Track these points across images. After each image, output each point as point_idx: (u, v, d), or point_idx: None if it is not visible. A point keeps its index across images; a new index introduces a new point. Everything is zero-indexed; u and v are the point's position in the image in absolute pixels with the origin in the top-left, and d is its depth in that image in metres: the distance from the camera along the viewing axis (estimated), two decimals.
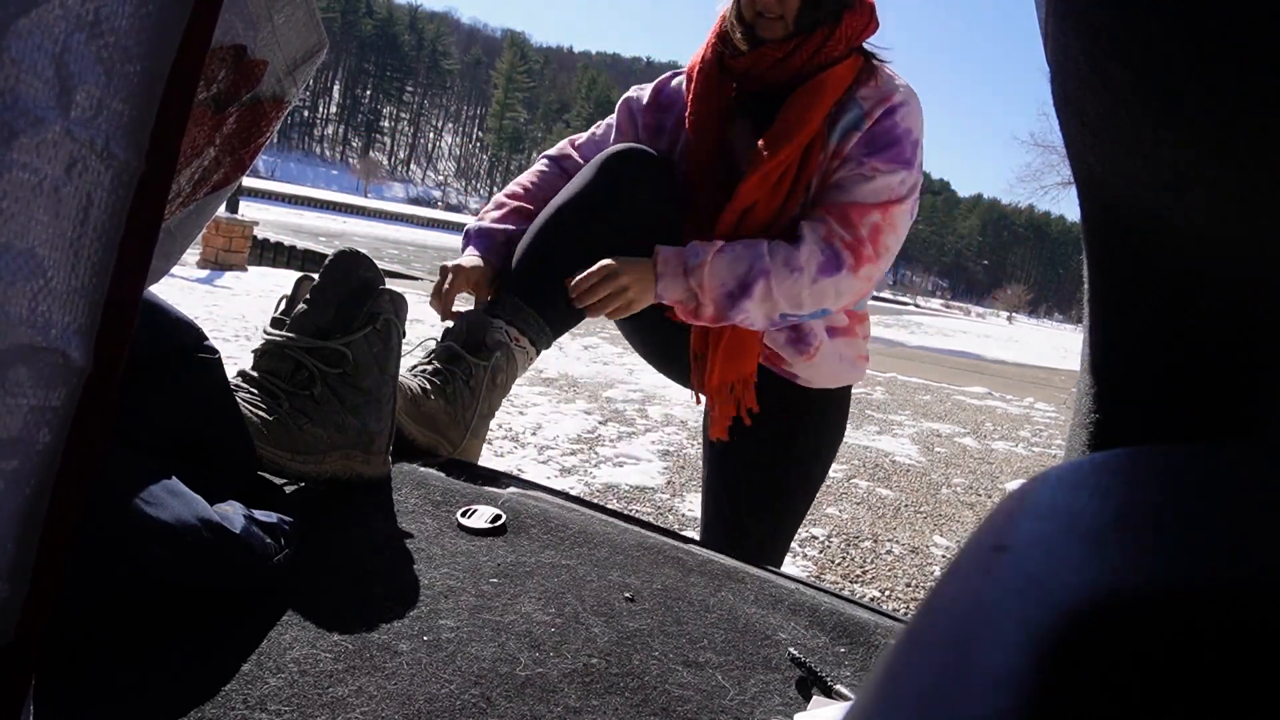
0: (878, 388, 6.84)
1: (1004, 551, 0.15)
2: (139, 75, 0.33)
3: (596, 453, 3.44)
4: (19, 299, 0.31)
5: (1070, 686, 0.12)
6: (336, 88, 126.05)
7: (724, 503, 1.37)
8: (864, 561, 2.67)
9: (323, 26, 0.69)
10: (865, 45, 1.23)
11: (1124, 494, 0.16)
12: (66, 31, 0.30)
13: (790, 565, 2.53)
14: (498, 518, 0.85)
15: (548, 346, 1.24)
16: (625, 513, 1.01)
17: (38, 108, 0.30)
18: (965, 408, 6.60)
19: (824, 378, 1.31)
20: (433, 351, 1.17)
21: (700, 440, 1.49)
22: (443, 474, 0.98)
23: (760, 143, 1.20)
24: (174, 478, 0.59)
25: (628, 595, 0.74)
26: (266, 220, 17.97)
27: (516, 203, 1.33)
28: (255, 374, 0.84)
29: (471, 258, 1.25)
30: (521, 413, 3.91)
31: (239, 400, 0.78)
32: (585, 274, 1.14)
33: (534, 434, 3.57)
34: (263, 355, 0.85)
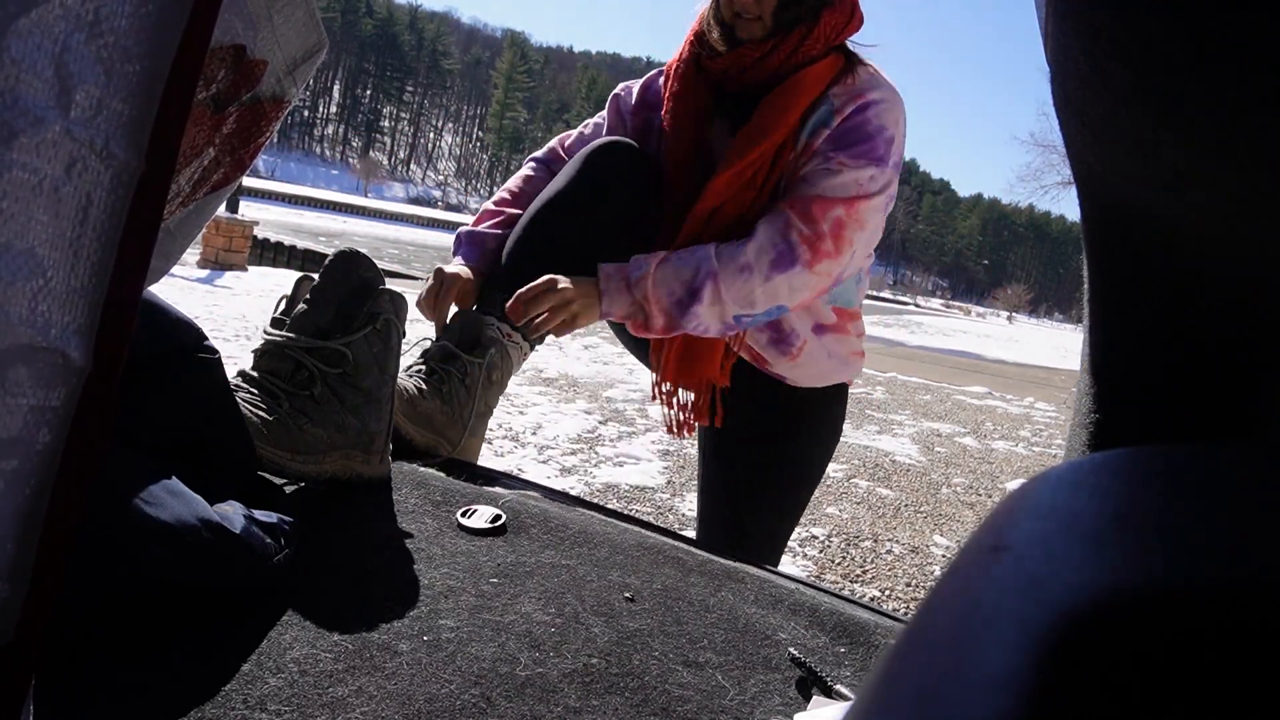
0: (878, 387, 6.84)
1: (1004, 551, 0.15)
2: (139, 75, 0.33)
3: (596, 452, 3.44)
4: (19, 299, 0.31)
5: (1070, 687, 0.12)
6: (336, 88, 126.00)
7: (721, 503, 1.36)
8: (864, 561, 2.67)
9: (323, 26, 0.69)
10: (848, 43, 1.21)
11: (1124, 494, 0.16)
12: (66, 31, 0.30)
13: (790, 565, 2.53)
14: (498, 518, 0.85)
15: (541, 341, 1.24)
16: (625, 513, 1.01)
17: (37, 107, 0.30)
18: (965, 407, 6.60)
19: (813, 377, 1.29)
20: (427, 352, 1.17)
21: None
22: (443, 474, 0.98)
23: (733, 142, 1.18)
24: (174, 478, 0.59)
25: (628, 595, 0.74)
26: (266, 220, 17.97)
27: (505, 210, 1.32)
28: (255, 374, 0.84)
29: (463, 267, 1.24)
30: (522, 412, 3.91)
31: (239, 400, 0.78)
32: (528, 287, 1.10)
33: (534, 434, 3.57)
34: (263, 355, 0.85)
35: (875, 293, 67.97)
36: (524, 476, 1.23)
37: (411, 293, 1.15)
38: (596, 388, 4.82)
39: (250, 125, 0.68)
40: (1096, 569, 0.14)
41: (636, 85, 1.37)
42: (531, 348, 1.23)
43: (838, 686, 0.64)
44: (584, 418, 4.00)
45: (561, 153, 1.39)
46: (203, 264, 8.69)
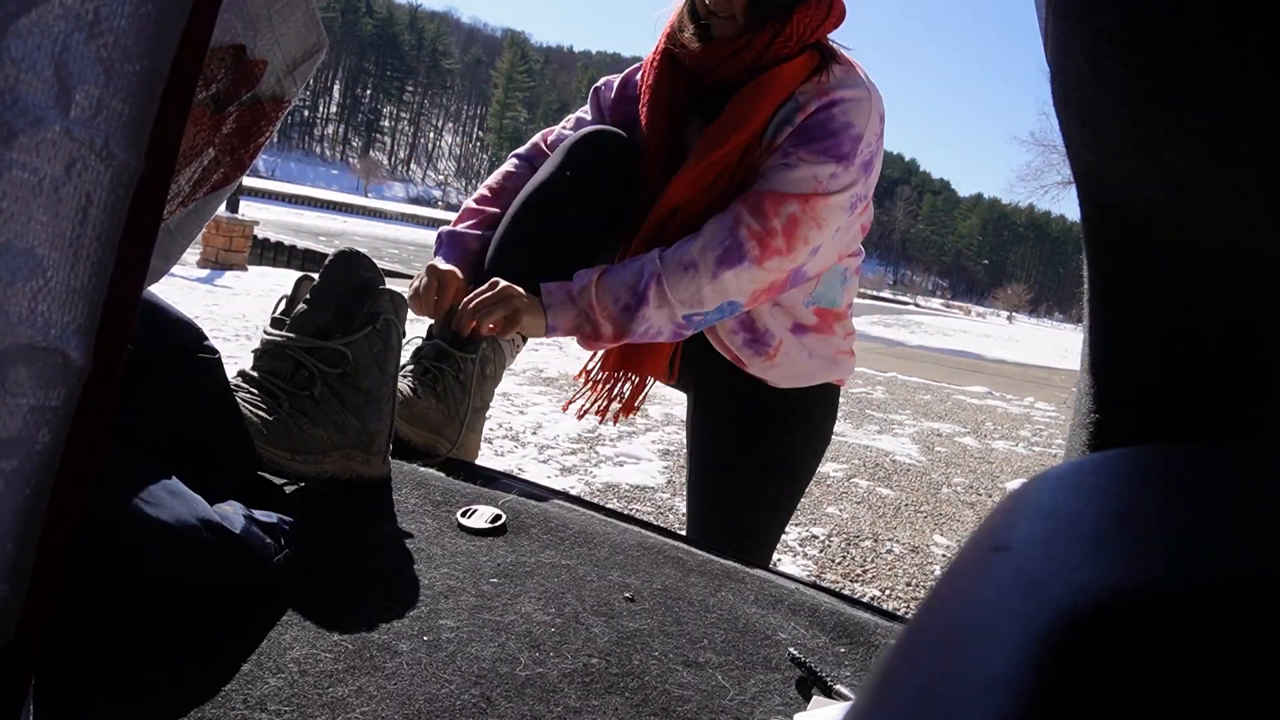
0: (878, 387, 6.84)
1: (1004, 551, 0.15)
2: (138, 75, 0.33)
3: (597, 452, 3.44)
4: (19, 299, 0.31)
5: (1070, 687, 0.12)
6: (336, 87, 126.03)
7: (708, 503, 1.34)
8: (864, 561, 2.67)
9: (323, 26, 0.69)
10: (828, 40, 1.19)
11: (1124, 494, 0.16)
12: (66, 31, 0.30)
13: (790, 565, 2.54)
14: (498, 518, 0.85)
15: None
16: (625, 513, 1.01)
17: (37, 107, 0.30)
18: (965, 407, 6.60)
19: (792, 378, 1.27)
20: (420, 351, 1.17)
21: None
22: (443, 474, 0.98)
23: (699, 140, 1.16)
24: (174, 478, 0.59)
25: (628, 595, 0.74)
26: (267, 220, 17.97)
27: (486, 208, 1.31)
28: (255, 374, 0.84)
29: (449, 265, 1.22)
30: (522, 412, 3.91)
31: (239, 400, 0.78)
32: (478, 290, 1.09)
33: (534, 433, 3.57)
34: (263, 355, 0.85)
35: (875, 293, 67.96)
36: (524, 476, 1.23)
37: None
38: None
39: (250, 125, 0.68)
40: (1096, 569, 0.14)
41: (617, 80, 1.35)
42: (524, 341, 1.23)
43: (838, 686, 0.64)
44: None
45: (544, 148, 1.38)
46: (203, 264, 8.69)
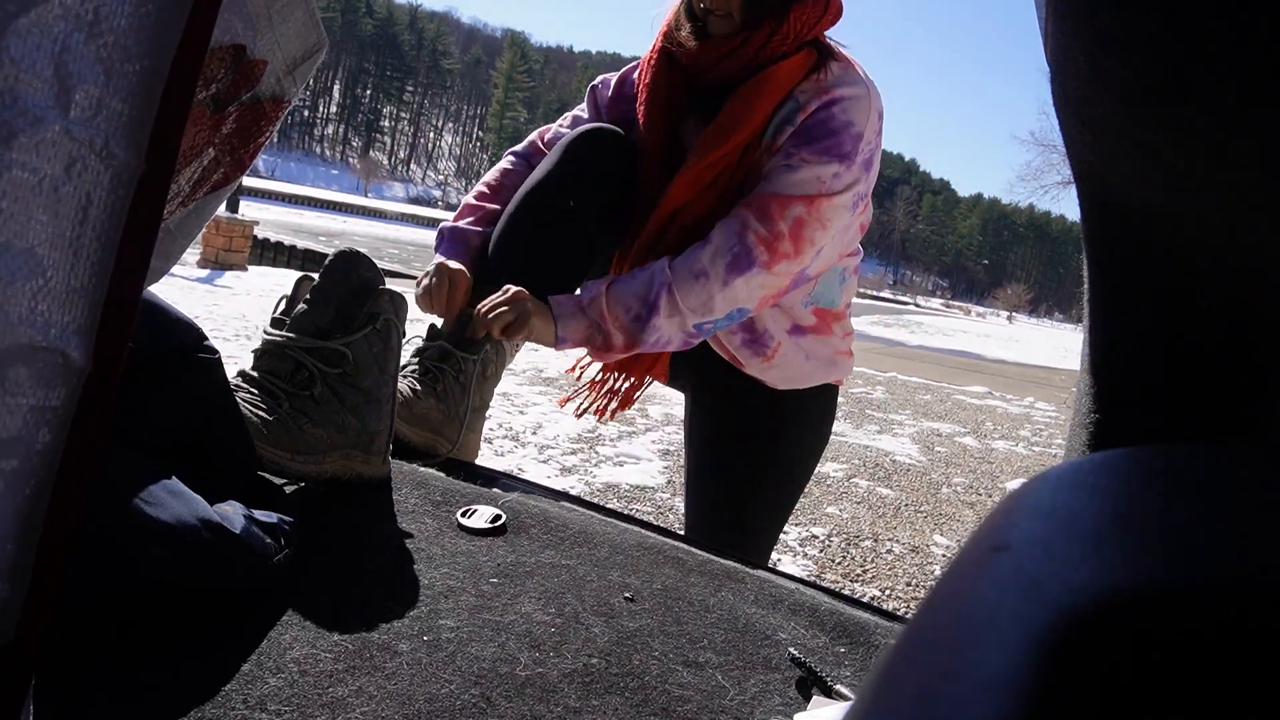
0: (878, 387, 6.84)
1: (1004, 551, 0.15)
2: (138, 74, 0.33)
3: (597, 452, 3.44)
4: (19, 299, 0.31)
5: (1069, 687, 0.12)
6: (336, 88, 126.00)
7: (706, 504, 1.34)
8: (864, 561, 2.67)
9: (322, 26, 0.69)
10: (825, 38, 1.18)
11: (1124, 494, 0.16)
12: (66, 31, 0.30)
13: (790, 565, 2.54)
14: (498, 518, 0.85)
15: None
16: (625, 513, 1.01)
17: (37, 107, 0.30)
18: (965, 407, 6.60)
19: (790, 379, 1.26)
20: (421, 350, 1.17)
21: None
22: (443, 474, 0.98)
23: (698, 140, 1.16)
24: (174, 478, 0.59)
25: (628, 595, 0.74)
26: (267, 220, 17.97)
27: (485, 205, 1.30)
28: (255, 374, 0.84)
29: (459, 265, 1.21)
30: (522, 412, 3.91)
31: (239, 400, 0.78)
32: (493, 299, 1.09)
33: (534, 433, 3.57)
34: (263, 355, 0.85)
35: (875, 293, 67.91)
36: (524, 476, 1.23)
37: (412, 293, 1.15)
38: None
39: (250, 125, 0.68)
40: (1096, 569, 0.14)
41: (614, 78, 1.34)
42: (524, 341, 1.23)
43: (838, 686, 0.64)
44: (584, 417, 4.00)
45: (541, 146, 1.37)
46: (203, 264, 8.69)
